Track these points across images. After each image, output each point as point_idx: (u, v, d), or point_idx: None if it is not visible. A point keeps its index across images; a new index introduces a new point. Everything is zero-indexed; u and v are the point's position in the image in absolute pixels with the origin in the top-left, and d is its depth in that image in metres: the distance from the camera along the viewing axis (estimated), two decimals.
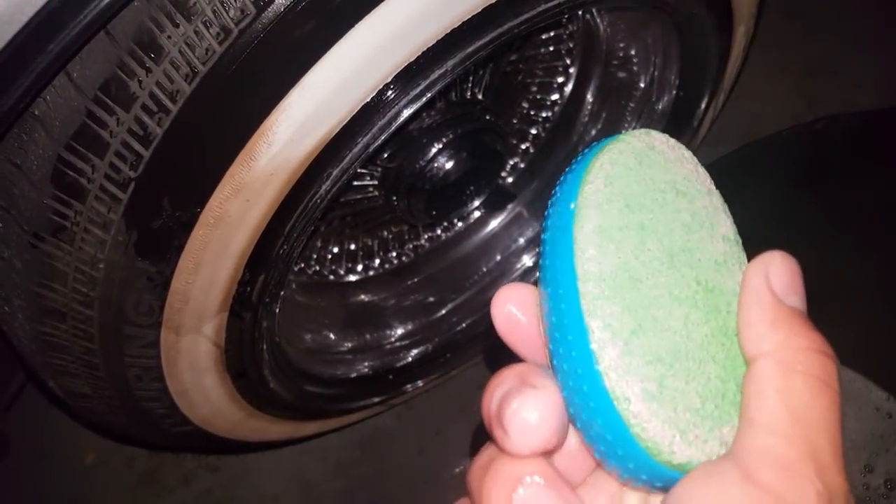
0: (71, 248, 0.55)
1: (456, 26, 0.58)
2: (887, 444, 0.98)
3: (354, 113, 0.56)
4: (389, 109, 0.58)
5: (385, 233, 1.14)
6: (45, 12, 0.43)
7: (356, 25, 0.53)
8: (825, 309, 1.02)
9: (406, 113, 0.59)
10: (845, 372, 1.04)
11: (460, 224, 1.22)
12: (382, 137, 0.59)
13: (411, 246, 1.19)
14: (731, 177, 0.69)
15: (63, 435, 1.38)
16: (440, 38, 0.58)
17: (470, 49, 0.60)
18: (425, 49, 0.58)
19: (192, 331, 0.66)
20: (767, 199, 0.75)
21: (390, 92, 0.58)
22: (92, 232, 0.54)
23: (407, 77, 0.58)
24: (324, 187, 0.60)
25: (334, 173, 0.59)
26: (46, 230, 0.54)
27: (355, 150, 0.58)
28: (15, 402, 1.34)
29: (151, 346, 0.66)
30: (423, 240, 1.20)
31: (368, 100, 0.57)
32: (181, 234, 0.57)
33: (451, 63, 0.60)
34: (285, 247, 0.63)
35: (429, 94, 0.60)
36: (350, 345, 1.02)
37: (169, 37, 0.48)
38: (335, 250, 1.08)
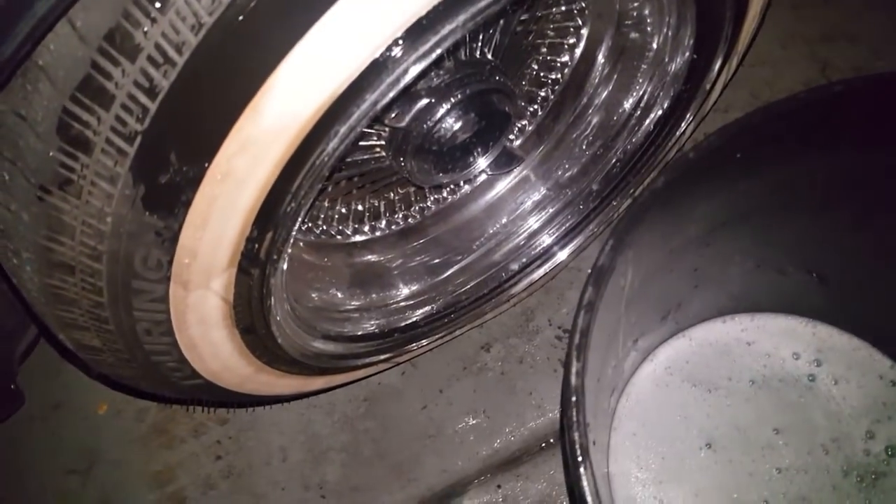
0: (78, 202, 0.56)
1: None
2: (890, 411, 1.00)
3: (362, 69, 0.55)
4: (398, 66, 0.57)
5: (392, 194, 1.14)
6: None
7: None
8: (831, 276, 1.03)
9: (414, 70, 0.59)
10: (850, 339, 1.04)
11: (467, 186, 1.22)
12: (390, 95, 0.59)
13: (418, 208, 1.18)
14: (742, 142, 0.68)
15: (76, 387, 1.41)
16: None
17: (481, 4, 0.59)
18: (435, 3, 0.57)
19: (200, 286, 0.67)
20: (779, 164, 0.74)
21: (399, 48, 0.57)
22: (99, 185, 0.55)
23: (416, 33, 0.57)
24: (331, 145, 0.59)
25: (342, 131, 0.59)
26: (53, 183, 0.54)
27: (363, 107, 0.58)
28: (29, 355, 1.37)
29: (160, 300, 0.66)
30: (430, 202, 1.20)
31: (377, 56, 0.56)
32: (189, 190, 0.57)
33: (461, 18, 0.59)
34: (293, 204, 0.63)
35: (438, 51, 0.59)
36: (356, 304, 1.03)
37: None
38: (342, 210, 1.08)
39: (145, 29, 0.48)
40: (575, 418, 0.55)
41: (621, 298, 0.75)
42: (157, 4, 0.47)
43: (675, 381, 1.05)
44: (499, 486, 1.23)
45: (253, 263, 0.68)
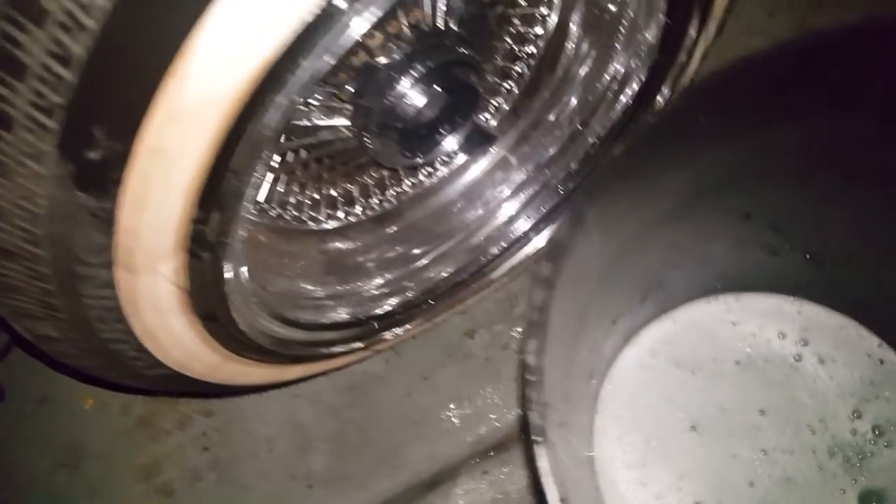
0: (7, 182, 0.54)
1: None
2: (877, 390, 0.97)
3: (296, 31, 0.52)
4: (334, 25, 0.54)
5: (365, 178, 1.11)
6: None
7: None
8: (816, 252, 0.99)
9: (354, 32, 0.56)
10: (837, 318, 1.01)
11: (443, 169, 1.19)
12: (327, 59, 0.56)
13: (393, 192, 1.16)
14: (705, 105, 0.64)
15: (61, 382, 1.40)
16: None
17: None
18: None
19: (147, 270, 0.65)
20: (747, 130, 0.70)
21: (333, 9, 0.54)
22: (26, 164, 0.52)
23: None
24: (269, 116, 0.57)
25: (279, 101, 0.56)
26: None
27: (299, 74, 0.55)
28: (11, 350, 1.36)
29: (107, 286, 0.64)
30: (406, 185, 1.17)
31: (310, 17, 0.53)
32: (120, 167, 0.54)
33: None
34: (236, 182, 0.61)
35: (379, 14, 0.56)
36: (328, 292, 1.01)
37: None
38: (314, 196, 1.06)
39: None
40: (533, 398, 0.52)
41: (589, 276, 0.72)
42: None
43: (659, 364, 1.03)
44: (485, 472, 1.21)
45: (203, 247, 0.65)
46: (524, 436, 1.21)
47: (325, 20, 0.53)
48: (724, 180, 0.78)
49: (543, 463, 0.51)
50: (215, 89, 0.52)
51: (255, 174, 0.62)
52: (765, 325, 1.02)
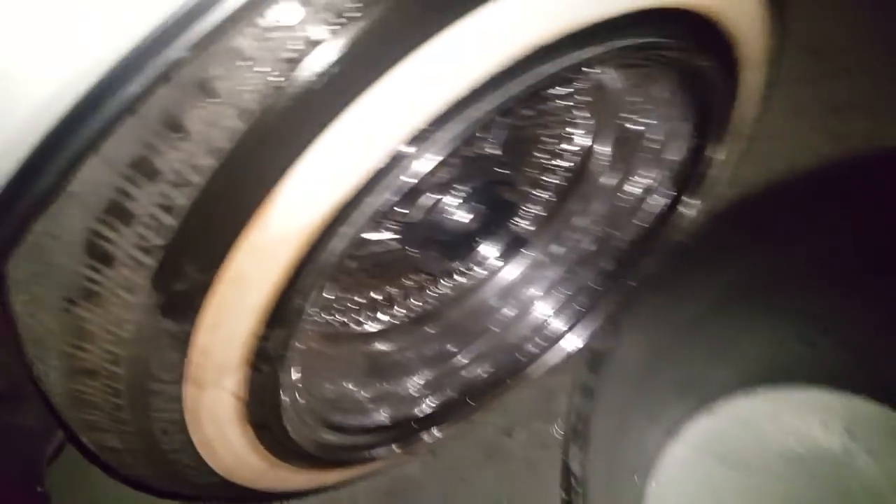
0: (100, 310, 0.59)
1: (464, 95, 0.61)
2: None
3: (365, 178, 0.59)
4: (401, 172, 0.61)
5: (405, 281, 1.16)
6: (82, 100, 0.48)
7: (361, 97, 0.56)
8: (847, 343, 0.99)
9: (417, 173, 0.62)
10: (880, 409, 1.00)
11: (481, 270, 1.24)
12: (390, 197, 0.62)
13: (432, 294, 1.21)
14: (736, 226, 0.68)
15: (103, 491, 1.40)
16: (450, 106, 0.61)
17: (478, 115, 0.63)
18: (436, 116, 0.61)
19: (213, 385, 0.69)
20: (774, 245, 0.74)
21: (399, 157, 0.61)
22: (120, 296, 0.58)
23: (417, 142, 0.62)
24: (337, 245, 0.62)
25: (346, 232, 0.62)
26: (79, 295, 0.58)
27: (365, 211, 0.61)
28: (57, 458, 1.37)
29: (175, 400, 0.68)
30: (445, 287, 1.22)
31: (381, 164, 0.60)
32: (201, 295, 0.60)
33: (459, 129, 0.63)
34: (300, 302, 0.66)
35: (439, 158, 0.63)
36: (370, 394, 1.04)
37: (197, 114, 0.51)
38: (357, 300, 1.11)
39: (167, 156, 0.52)
40: None
41: (628, 380, 0.74)
42: (179, 134, 0.52)
43: (703, 461, 1.02)
44: None
45: (264, 361, 0.70)
46: None
47: (392, 165, 0.60)
48: (753, 287, 0.81)
49: None
50: (292, 228, 0.58)
51: (319, 293, 0.67)
52: (808, 418, 1.01)
